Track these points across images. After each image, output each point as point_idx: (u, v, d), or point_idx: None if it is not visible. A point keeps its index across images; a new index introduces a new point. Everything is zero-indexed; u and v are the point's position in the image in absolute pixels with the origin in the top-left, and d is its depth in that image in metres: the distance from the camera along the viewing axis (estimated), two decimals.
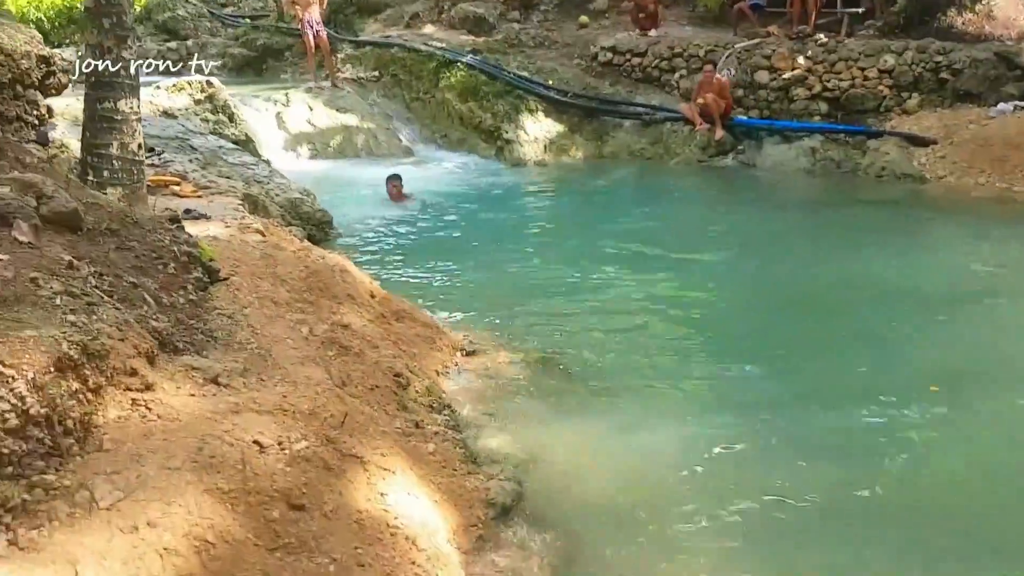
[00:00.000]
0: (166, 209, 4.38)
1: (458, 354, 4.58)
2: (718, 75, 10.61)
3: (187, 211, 5.49)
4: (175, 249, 3.19)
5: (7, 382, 2.09)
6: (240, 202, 6.22)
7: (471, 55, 12.57)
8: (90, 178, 4.97)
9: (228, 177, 7.08)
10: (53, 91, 5.55)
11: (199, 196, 6.29)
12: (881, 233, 7.71)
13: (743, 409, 4.37)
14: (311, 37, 12.77)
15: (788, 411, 4.35)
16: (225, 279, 3.63)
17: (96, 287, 2.66)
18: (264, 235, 4.86)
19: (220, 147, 8.40)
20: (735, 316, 6.02)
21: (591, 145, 11.37)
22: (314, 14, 12.69)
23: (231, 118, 11.29)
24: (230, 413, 2.59)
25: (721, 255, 7.30)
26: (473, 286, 6.35)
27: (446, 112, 12.48)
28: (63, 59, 5.60)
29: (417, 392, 3.68)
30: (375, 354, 3.75)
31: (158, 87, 11.15)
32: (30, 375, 2.14)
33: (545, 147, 11.27)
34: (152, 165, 6.90)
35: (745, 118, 10.73)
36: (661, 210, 8.81)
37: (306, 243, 5.27)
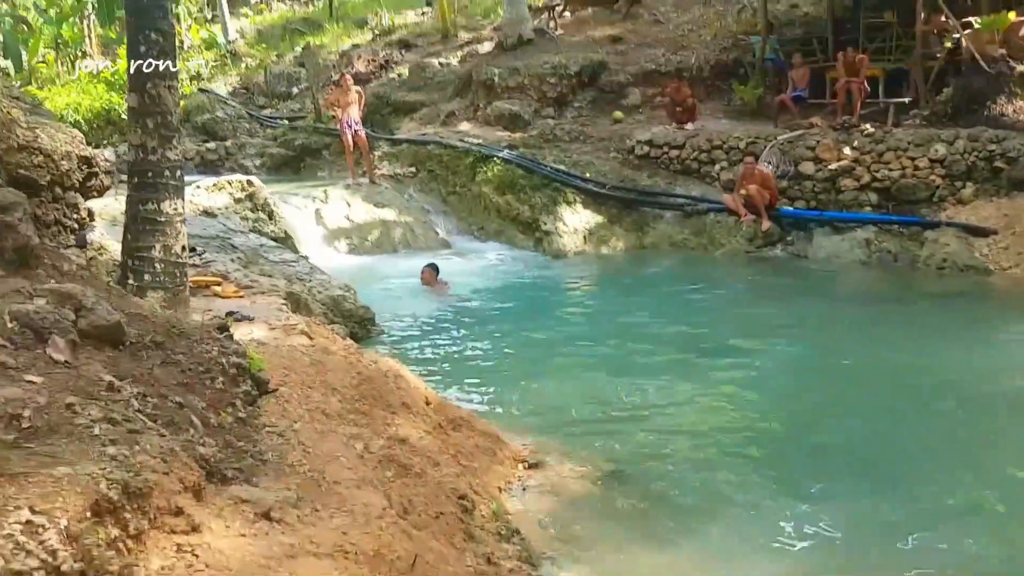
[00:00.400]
0: (212, 316, 4.12)
1: (520, 467, 4.21)
2: (759, 166, 10.43)
3: (230, 313, 5.26)
4: (223, 361, 2.91)
5: (37, 533, 1.78)
6: (283, 301, 6.00)
7: (507, 150, 12.58)
8: (130, 282, 4.78)
9: (270, 275, 6.90)
10: (95, 193, 5.42)
11: (241, 296, 6.09)
12: (950, 329, 7.29)
13: (830, 533, 3.94)
14: (350, 136, 12.91)
15: (878, 532, 3.92)
16: (274, 391, 3.33)
17: (139, 411, 2.36)
18: (311, 337, 4.60)
19: (261, 245, 8.28)
20: (803, 422, 5.60)
21: (631, 236, 11.16)
22: (353, 114, 12.86)
23: (271, 216, 11.28)
24: (285, 558, 2.24)
25: (781, 353, 6.90)
26: (524, 388, 6.01)
27: (483, 205, 12.41)
28: (106, 160, 5.46)
29: (483, 517, 3.31)
30: (436, 473, 3.40)
31: (198, 187, 11.20)
32: (63, 523, 1.82)
33: (585, 238, 11.08)
34: (193, 265, 6.76)
35: (791, 209, 10.49)
36: (713, 303, 8.47)
37: (352, 343, 5.01)
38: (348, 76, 13.71)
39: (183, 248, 4.93)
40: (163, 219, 4.82)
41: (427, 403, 4.06)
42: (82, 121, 17.18)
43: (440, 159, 13.31)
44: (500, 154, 12.42)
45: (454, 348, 7.08)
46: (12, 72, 21.17)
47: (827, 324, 7.66)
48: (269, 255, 7.93)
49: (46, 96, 18.39)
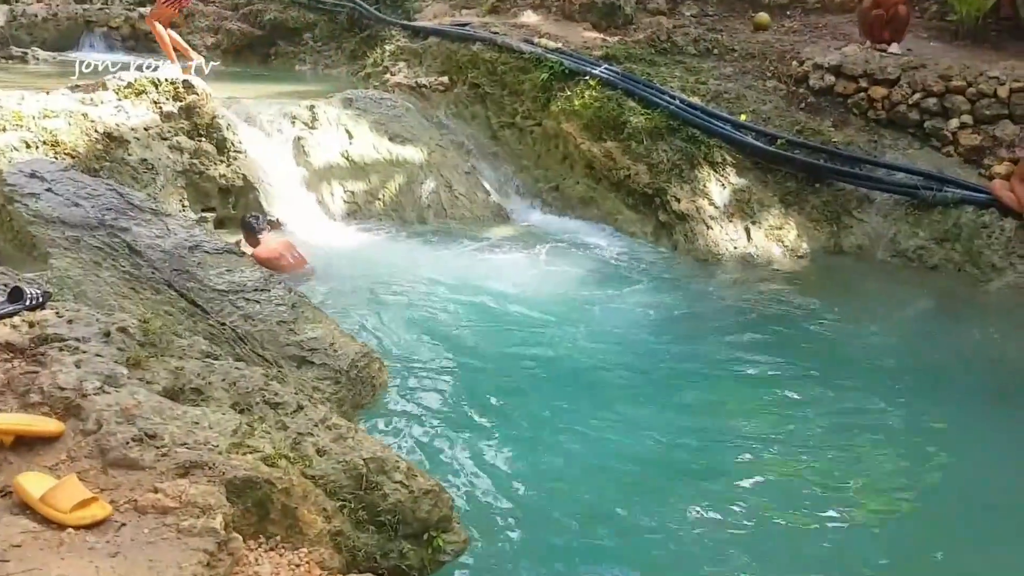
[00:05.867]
0: None
1: None
2: None
3: None
4: None
5: None
6: None
7: (604, 66, 8.44)
8: None
9: (209, 396, 2.91)
10: None
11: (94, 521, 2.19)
12: None
13: None
14: None
15: None
16: None
17: None
18: None
19: (194, 247, 4.31)
20: None
21: (821, 231, 7.24)
22: None
23: (221, 146, 7.28)
24: None
25: None
26: None
27: (561, 151, 8.39)
28: None
29: None
30: None
31: (105, 86, 7.15)
32: None
33: (747, 230, 7.12)
34: (7, 353, 2.81)
35: None
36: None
37: None
38: None
39: None
40: None
41: None
42: None
43: (491, 67, 9.16)
44: (595, 71, 8.30)
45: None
46: None
47: None
48: (222, 290, 3.99)
49: None
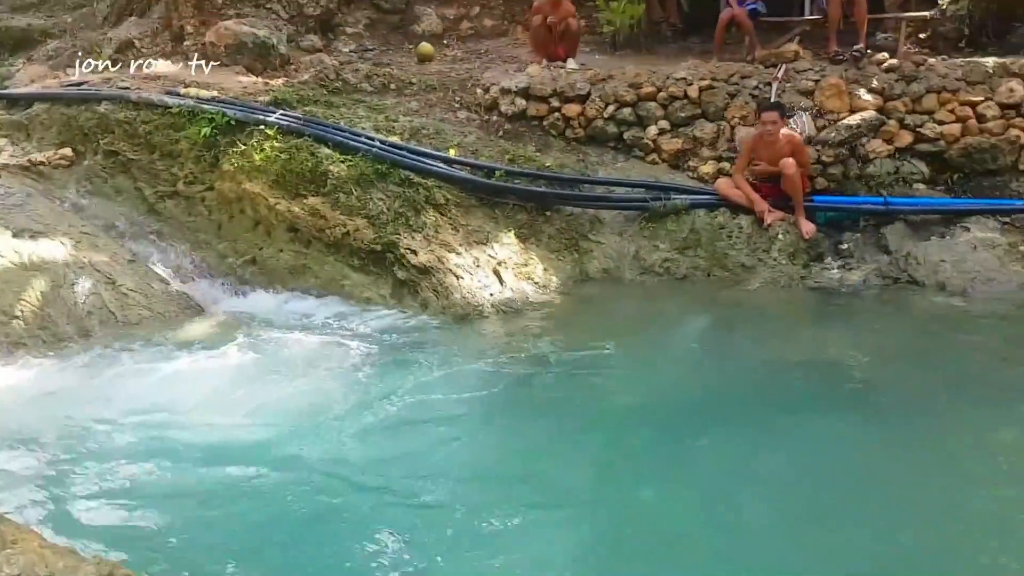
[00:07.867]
0: None
1: None
2: (786, 127, 6.54)
3: None
4: None
5: None
6: None
7: (280, 112, 7.10)
8: None
9: None
10: None
11: None
12: None
13: None
14: None
15: None
16: None
17: None
18: None
19: None
20: None
21: (565, 260, 6.59)
22: None
23: None
24: None
25: None
26: None
27: (249, 216, 6.87)
28: None
29: None
30: None
31: None
32: None
33: (497, 273, 6.23)
34: None
35: (825, 196, 6.75)
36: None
37: None
38: None
39: None
40: None
41: None
42: None
43: (129, 129, 7.37)
44: (270, 118, 6.92)
45: None
46: None
47: None
48: None
49: None
